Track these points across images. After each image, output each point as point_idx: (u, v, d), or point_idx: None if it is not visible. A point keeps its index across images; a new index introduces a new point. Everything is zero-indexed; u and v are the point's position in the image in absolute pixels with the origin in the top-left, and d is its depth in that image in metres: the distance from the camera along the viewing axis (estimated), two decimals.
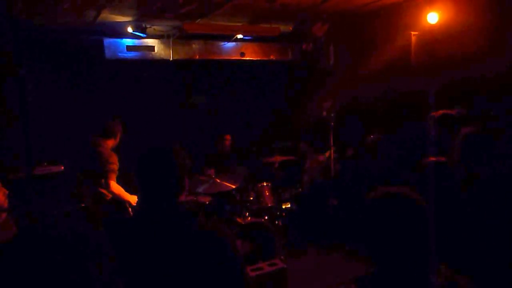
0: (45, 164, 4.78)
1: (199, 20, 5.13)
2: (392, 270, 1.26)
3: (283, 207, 5.37)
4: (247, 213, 4.59)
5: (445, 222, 2.04)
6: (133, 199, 3.70)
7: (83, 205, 3.87)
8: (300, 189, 5.80)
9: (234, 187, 4.60)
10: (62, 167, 4.80)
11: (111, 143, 3.88)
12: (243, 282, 1.56)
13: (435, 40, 4.81)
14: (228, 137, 5.67)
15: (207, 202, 4.82)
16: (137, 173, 1.65)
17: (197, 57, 6.15)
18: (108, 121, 3.96)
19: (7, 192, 2.36)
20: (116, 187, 3.67)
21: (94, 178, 3.75)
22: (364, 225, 1.29)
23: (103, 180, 3.68)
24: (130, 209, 3.66)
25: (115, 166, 3.70)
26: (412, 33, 5.09)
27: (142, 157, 1.64)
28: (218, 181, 4.65)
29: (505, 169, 2.26)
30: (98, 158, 3.72)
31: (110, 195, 3.70)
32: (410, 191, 1.28)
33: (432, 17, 4.79)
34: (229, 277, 1.51)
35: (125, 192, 3.71)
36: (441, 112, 3.01)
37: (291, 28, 5.63)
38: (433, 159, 2.63)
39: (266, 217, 4.83)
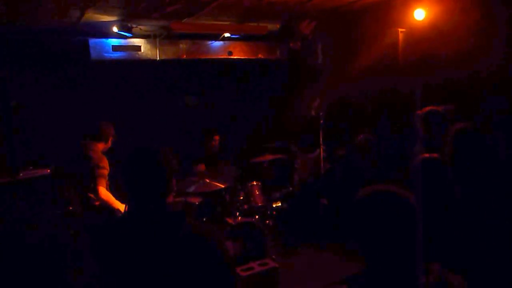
0: (31, 168, 4.68)
1: (185, 19, 5.08)
2: (383, 269, 1.25)
3: (274, 206, 5.35)
4: (237, 213, 4.57)
5: (438, 220, 2.03)
6: (122, 207, 3.51)
7: (70, 208, 3.79)
8: (291, 188, 5.79)
9: (223, 186, 4.56)
10: (49, 171, 4.70)
11: (101, 146, 3.77)
12: (233, 284, 1.54)
13: (422, 37, 4.83)
14: (217, 137, 5.63)
15: (197, 203, 4.78)
16: (123, 174, 1.61)
17: (185, 56, 6.09)
18: (99, 123, 3.85)
19: None
20: (105, 194, 3.54)
21: (83, 182, 3.64)
22: (354, 223, 1.27)
23: (91, 185, 3.56)
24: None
25: (106, 171, 3.59)
26: (400, 30, 5.11)
27: (127, 158, 1.61)
28: (208, 181, 4.61)
29: (497, 166, 2.26)
30: (88, 162, 3.60)
31: (99, 201, 3.57)
32: (399, 189, 1.26)
33: (419, 14, 4.81)
34: (219, 280, 1.49)
35: (115, 200, 3.56)
36: (427, 108, 3.01)
37: (278, 26, 5.60)
38: (426, 155, 2.62)
39: (257, 217, 4.80)
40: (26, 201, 4.09)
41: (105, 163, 3.63)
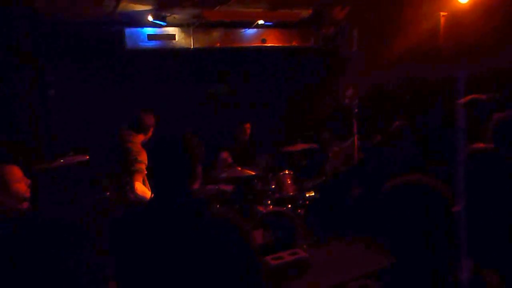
0: (71, 154, 4.85)
1: (218, 7, 5.06)
2: (412, 264, 1.19)
3: (307, 195, 5.31)
4: (269, 202, 4.56)
5: (485, 216, 1.92)
6: None
7: (108, 194, 3.77)
8: (324, 178, 5.71)
9: (254, 173, 4.56)
10: (88, 157, 4.86)
11: (141, 138, 3.55)
12: (260, 271, 1.52)
13: (466, 22, 4.57)
14: (248, 125, 5.62)
15: (229, 190, 4.81)
16: (149, 162, 1.63)
17: (219, 44, 6.09)
18: (140, 113, 3.62)
19: (29, 182, 2.38)
20: (141, 189, 3.33)
21: (119, 175, 3.47)
22: (382, 215, 1.21)
23: (128, 178, 3.37)
24: None
25: (143, 165, 3.35)
26: (441, 13, 4.86)
27: (153, 146, 1.62)
28: (239, 168, 4.62)
29: None
30: (125, 155, 3.42)
31: (132, 194, 3.36)
32: (432, 180, 1.19)
33: None
34: (244, 266, 1.48)
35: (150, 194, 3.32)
36: (469, 97, 2.84)
37: (311, 12, 5.47)
38: (481, 145, 2.48)
39: (289, 206, 4.78)
40: (65, 186, 4.27)
41: (144, 157, 3.40)
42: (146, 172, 3.39)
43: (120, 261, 1.54)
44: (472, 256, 1.18)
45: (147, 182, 3.53)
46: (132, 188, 3.34)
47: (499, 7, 4.14)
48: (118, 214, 3.26)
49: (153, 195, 1.59)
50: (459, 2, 4.55)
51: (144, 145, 3.57)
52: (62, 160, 4.57)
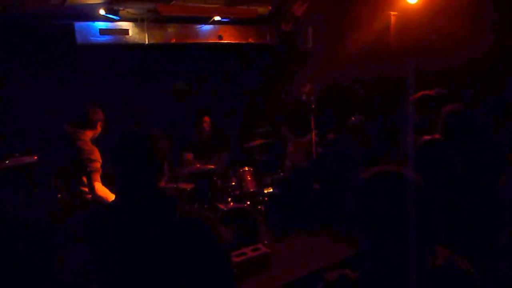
0: (17, 155, 4.56)
1: (173, 2, 4.95)
2: (388, 251, 1.21)
3: (265, 191, 5.34)
4: (229, 199, 4.54)
5: (445, 201, 2.02)
6: None
7: (59, 196, 3.59)
8: (282, 174, 5.77)
9: (213, 167, 4.53)
10: (36, 158, 4.59)
11: (90, 134, 3.40)
12: (230, 269, 1.51)
13: (415, 21, 4.78)
14: (207, 119, 5.56)
15: (188, 188, 4.75)
16: (113, 160, 1.56)
17: (174, 40, 5.98)
18: (86, 108, 3.45)
19: None
20: (101, 190, 3.18)
21: (73, 175, 3.28)
22: (357, 205, 1.23)
23: (84, 179, 3.22)
24: None
25: (98, 163, 3.23)
26: (392, 13, 5.05)
27: (117, 143, 1.55)
28: (199, 165, 4.58)
29: (488, 143, 2.26)
30: (77, 155, 3.25)
31: (91, 195, 3.21)
32: (405, 169, 1.22)
33: None
34: (215, 265, 1.46)
35: (111, 194, 3.15)
36: (420, 93, 3.01)
37: (270, 8, 5.50)
38: (427, 137, 2.60)
39: (248, 203, 4.79)
40: (12, 188, 4.01)
41: (96, 155, 3.27)
42: (100, 170, 3.26)
43: (95, 257, 1.48)
44: (445, 243, 1.23)
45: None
46: (92, 189, 3.18)
47: (446, 7, 4.36)
48: (74, 215, 3.12)
49: (117, 194, 1.52)
50: (408, 3, 4.75)
51: (95, 142, 3.44)
52: (7, 161, 4.30)
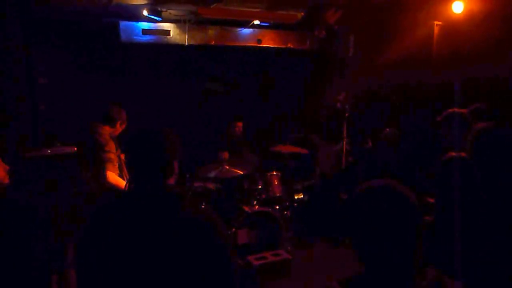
0: (58, 144, 4.82)
1: (214, 4, 5.05)
2: (378, 269, 1.18)
3: (295, 197, 5.30)
4: (255, 202, 4.55)
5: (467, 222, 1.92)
6: None
7: (87, 186, 3.80)
8: (313, 181, 5.71)
9: (242, 173, 4.55)
10: (76, 149, 4.82)
11: (108, 129, 3.63)
12: (230, 268, 1.51)
13: (459, 32, 4.60)
14: (240, 124, 5.60)
15: (213, 188, 4.79)
16: (126, 154, 1.62)
17: (213, 42, 6.08)
18: (109, 106, 3.72)
19: (7, 168, 2.35)
20: (113, 178, 3.42)
21: (93, 165, 3.55)
22: (351, 220, 1.21)
23: (99, 169, 3.45)
24: None
25: (112, 154, 3.46)
26: (435, 23, 4.88)
27: (130, 139, 1.61)
28: (227, 167, 4.61)
29: None
30: (93, 146, 3.52)
31: (104, 183, 3.44)
32: (398, 185, 1.19)
33: (457, 6, 4.57)
34: (216, 263, 1.47)
35: (123, 182, 3.40)
36: (449, 111, 2.89)
37: (302, 14, 5.47)
38: (453, 154, 2.50)
39: (277, 207, 4.78)
40: (50, 176, 4.24)
41: (111, 146, 3.50)
42: (116, 160, 3.51)
43: (91, 252, 1.52)
44: (435, 264, 1.18)
45: (125, 170, 3.59)
46: (104, 177, 3.43)
47: (492, 18, 4.17)
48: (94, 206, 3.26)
49: (127, 186, 1.57)
50: (453, 12, 4.57)
51: (114, 137, 3.66)
52: (49, 151, 4.54)
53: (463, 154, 2.20)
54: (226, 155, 5.24)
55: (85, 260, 1.50)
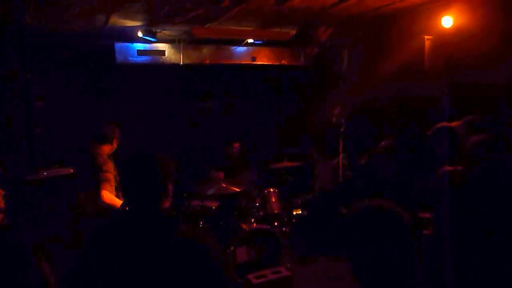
0: (55, 166, 4.82)
1: (208, 24, 5.12)
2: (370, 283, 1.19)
3: (294, 213, 5.29)
4: (252, 219, 4.54)
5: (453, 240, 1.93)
6: None
7: (84, 208, 3.82)
8: (312, 196, 5.71)
9: (239, 190, 4.56)
10: (72, 170, 4.82)
11: (107, 149, 3.74)
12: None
13: (449, 45, 4.68)
14: (237, 144, 5.64)
15: (213, 207, 4.79)
16: (120, 178, 1.64)
17: (208, 61, 6.14)
18: (104, 125, 3.87)
19: (2, 193, 2.35)
20: (108, 197, 3.44)
21: (91, 186, 3.59)
22: (344, 240, 1.22)
23: (96, 188, 3.50)
24: None
25: (109, 174, 3.51)
26: (426, 37, 4.97)
27: (124, 162, 1.63)
28: (224, 185, 4.61)
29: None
30: (92, 166, 3.59)
31: (99, 202, 3.47)
32: (393, 206, 1.20)
33: (447, 21, 4.65)
34: (210, 284, 1.47)
35: (119, 201, 3.39)
36: (438, 125, 2.91)
37: (293, 32, 5.55)
38: (449, 168, 2.52)
39: (276, 223, 4.76)
40: (47, 199, 4.22)
41: (109, 167, 3.57)
42: (113, 180, 3.53)
43: (88, 277, 1.52)
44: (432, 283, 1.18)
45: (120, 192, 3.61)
46: (100, 196, 3.45)
47: (481, 32, 4.25)
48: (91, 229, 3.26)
49: (121, 211, 1.58)
50: (443, 27, 4.65)
51: (110, 156, 3.75)
52: (45, 173, 4.54)
53: (458, 167, 2.21)
54: (221, 175, 5.26)
55: (82, 285, 1.49)
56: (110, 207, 3.40)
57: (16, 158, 4.14)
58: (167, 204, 1.63)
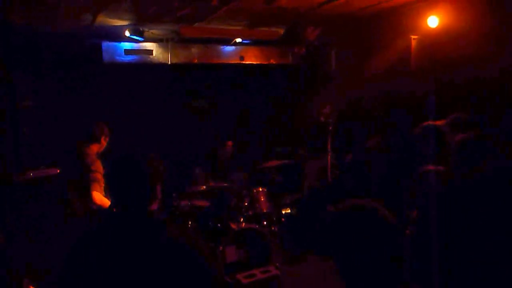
0: (42, 167, 4.75)
1: (196, 24, 5.11)
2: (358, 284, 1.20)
3: (283, 212, 5.31)
4: (242, 219, 4.54)
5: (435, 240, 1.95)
6: None
7: (73, 209, 3.77)
8: (301, 195, 5.73)
9: (226, 185, 4.57)
10: (58, 170, 4.76)
11: (95, 148, 3.69)
12: None
13: (435, 44, 4.75)
14: (230, 143, 5.63)
15: (203, 206, 4.79)
16: (107, 180, 1.62)
17: (196, 60, 6.12)
18: (92, 124, 3.81)
19: None
20: (99, 198, 3.42)
21: (81, 187, 3.54)
22: (329, 239, 1.23)
23: (86, 189, 3.46)
24: None
25: (98, 174, 3.47)
26: (412, 37, 5.03)
27: (112, 164, 1.61)
28: (212, 184, 4.63)
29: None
30: (81, 166, 3.54)
31: (89, 203, 3.46)
32: (378, 205, 1.21)
33: (433, 21, 4.72)
34: (199, 286, 1.47)
35: (109, 202, 3.33)
36: (424, 124, 2.95)
37: (282, 32, 5.57)
38: (431, 168, 2.56)
39: (265, 223, 4.77)
40: (34, 200, 4.17)
41: (98, 166, 3.52)
42: (102, 180, 3.47)
43: (75, 279, 1.50)
44: (418, 281, 1.20)
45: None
46: (90, 197, 3.42)
47: (464, 32, 4.32)
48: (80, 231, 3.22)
49: (109, 213, 1.57)
50: (429, 27, 4.72)
51: (100, 155, 3.70)
52: (32, 174, 4.47)
53: (440, 167, 2.24)
54: (198, 169, 5.24)
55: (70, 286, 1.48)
56: (101, 209, 3.37)
57: (2, 158, 4.07)
58: (155, 206, 1.63)
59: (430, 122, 2.91)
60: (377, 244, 1.15)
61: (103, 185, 3.47)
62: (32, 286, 2.52)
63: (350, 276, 1.19)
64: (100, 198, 3.45)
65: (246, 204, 4.73)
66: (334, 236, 1.21)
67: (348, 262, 1.18)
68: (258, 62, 6.52)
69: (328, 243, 1.22)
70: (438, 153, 2.61)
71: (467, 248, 1.88)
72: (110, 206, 1.61)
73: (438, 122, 2.93)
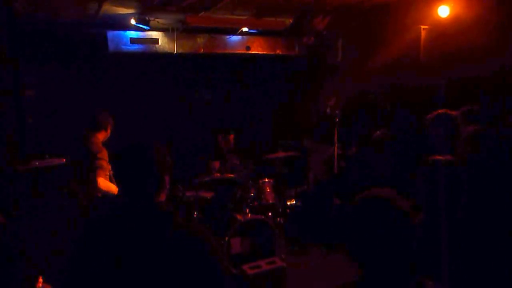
0: (47, 157, 4.75)
1: (202, 13, 5.04)
2: (374, 278, 1.18)
3: (288, 203, 5.30)
4: (247, 210, 4.53)
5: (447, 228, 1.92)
6: None
7: (77, 198, 3.77)
8: (306, 186, 5.71)
9: (232, 176, 4.55)
10: (64, 160, 4.75)
11: (101, 136, 3.73)
12: (223, 284, 1.49)
13: (445, 35, 4.66)
14: (232, 136, 5.59)
15: (208, 197, 4.77)
16: (114, 169, 1.59)
17: (202, 50, 6.07)
18: (96, 112, 3.83)
19: None
20: (104, 184, 3.46)
21: (86, 174, 3.58)
22: (349, 228, 1.21)
23: (91, 176, 3.49)
24: None
25: (104, 162, 3.51)
26: (422, 27, 4.94)
27: (119, 153, 1.58)
28: (219, 175, 4.60)
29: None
30: (87, 153, 3.57)
31: (100, 193, 3.50)
32: (395, 195, 1.19)
33: (443, 11, 4.63)
34: (207, 279, 1.44)
35: (116, 188, 3.39)
36: (437, 112, 2.89)
37: (290, 21, 5.49)
38: (439, 157, 2.50)
39: (270, 214, 4.76)
40: (38, 189, 4.17)
41: (103, 154, 3.55)
42: (108, 169, 3.52)
43: (82, 270, 1.49)
44: (433, 275, 1.18)
45: (113, 179, 3.60)
46: (95, 183, 3.44)
47: (476, 21, 4.23)
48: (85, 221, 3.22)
49: (116, 203, 1.55)
50: (439, 16, 4.63)
51: (105, 144, 3.72)
52: (37, 163, 4.47)
53: (449, 157, 2.19)
54: (217, 164, 5.24)
55: (76, 277, 1.46)
56: (107, 194, 3.40)
57: (7, 148, 4.07)
58: (163, 196, 1.59)
59: (446, 111, 2.85)
60: (390, 231, 1.13)
61: (108, 174, 3.50)
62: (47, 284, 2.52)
63: (366, 264, 1.16)
64: (106, 184, 3.48)
65: (252, 195, 4.71)
66: (349, 225, 1.19)
67: (363, 250, 1.16)
68: (264, 52, 6.46)
69: (343, 232, 1.20)
70: (449, 143, 2.56)
71: (475, 235, 1.85)
72: (118, 192, 1.57)
73: (452, 112, 2.87)
